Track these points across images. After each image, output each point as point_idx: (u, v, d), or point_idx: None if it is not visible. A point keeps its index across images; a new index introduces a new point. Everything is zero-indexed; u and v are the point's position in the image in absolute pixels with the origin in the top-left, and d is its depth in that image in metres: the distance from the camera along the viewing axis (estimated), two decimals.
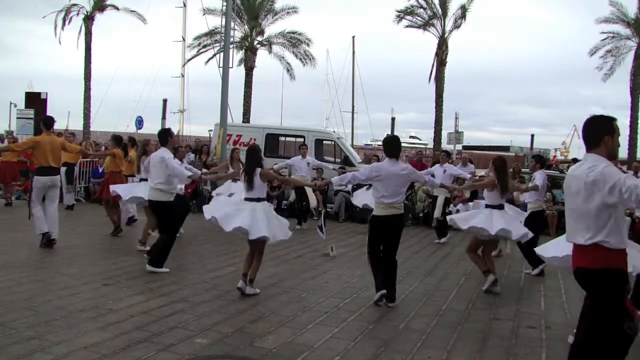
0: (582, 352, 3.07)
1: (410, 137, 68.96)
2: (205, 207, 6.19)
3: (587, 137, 3.18)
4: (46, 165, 7.67)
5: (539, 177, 7.53)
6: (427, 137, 46.11)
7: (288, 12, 25.63)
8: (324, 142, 15.09)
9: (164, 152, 6.68)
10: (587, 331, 3.08)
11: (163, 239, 6.71)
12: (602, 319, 2.99)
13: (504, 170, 6.52)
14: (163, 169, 6.58)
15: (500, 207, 6.43)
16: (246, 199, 5.84)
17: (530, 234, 6.60)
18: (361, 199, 10.66)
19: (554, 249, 4.71)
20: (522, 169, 12.91)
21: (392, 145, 5.77)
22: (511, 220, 6.42)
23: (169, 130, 7.39)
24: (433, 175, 9.04)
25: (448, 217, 7.26)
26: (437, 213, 10.22)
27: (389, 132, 24.45)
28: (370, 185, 7.07)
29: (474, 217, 6.43)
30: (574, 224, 3.13)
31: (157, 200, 6.73)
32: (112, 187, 8.65)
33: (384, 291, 5.51)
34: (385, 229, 5.61)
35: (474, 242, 6.53)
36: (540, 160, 8.05)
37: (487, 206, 6.49)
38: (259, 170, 5.79)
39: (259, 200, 5.81)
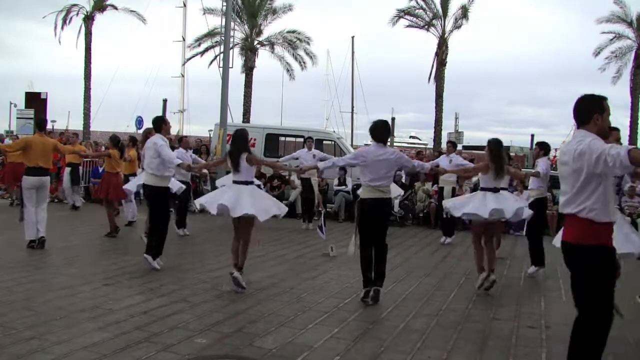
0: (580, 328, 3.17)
1: (410, 137, 68.62)
2: (196, 200, 6.52)
3: (577, 115, 3.28)
4: (35, 166, 7.67)
5: (542, 164, 7.31)
6: (427, 137, 46.04)
7: (284, 11, 25.63)
8: (324, 142, 15.09)
9: (157, 138, 6.79)
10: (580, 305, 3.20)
11: (152, 227, 6.84)
12: (589, 291, 3.13)
13: (499, 151, 6.41)
14: (155, 154, 6.66)
15: (494, 190, 6.28)
16: (234, 182, 5.92)
17: (528, 211, 6.50)
18: None
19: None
20: (522, 169, 12.92)
21: (379, 130, 5.72)
22: (504, 200, 6.26)
23: (163, 117, 7.63)
24: (438, 166, 8.99)
25: (444, 205, 7.08)
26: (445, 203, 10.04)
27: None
28: None
29: (467, 204, 6.34)
30: (565, 196, 3.26)
31: (151, 185, 6.82)
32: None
33: (369, 288, 5.54)
34: (372, 211, 5.65)
35: (474, 227, 6.51)
36: (544, 147, 7.61)
37: (482, 189, 6.42)
38: (245, 154, 5.87)
39: (246, 183, 5.88)
